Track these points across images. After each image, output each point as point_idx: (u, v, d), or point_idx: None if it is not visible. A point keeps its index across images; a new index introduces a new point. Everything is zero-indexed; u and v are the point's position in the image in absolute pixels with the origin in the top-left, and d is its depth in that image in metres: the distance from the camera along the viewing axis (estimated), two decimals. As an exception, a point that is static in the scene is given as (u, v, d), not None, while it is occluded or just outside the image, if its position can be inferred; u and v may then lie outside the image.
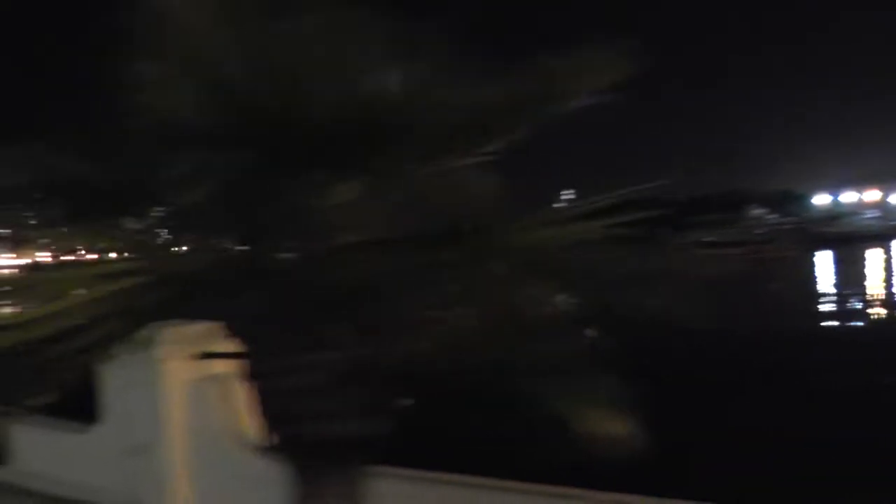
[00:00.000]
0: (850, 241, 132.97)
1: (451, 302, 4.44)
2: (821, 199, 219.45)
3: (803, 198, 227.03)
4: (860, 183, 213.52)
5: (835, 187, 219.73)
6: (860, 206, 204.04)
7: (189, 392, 6.61)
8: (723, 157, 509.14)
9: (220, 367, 6.60)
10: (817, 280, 67.84)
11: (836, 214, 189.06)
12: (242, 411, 6.44)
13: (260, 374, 4.47)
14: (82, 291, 4.36)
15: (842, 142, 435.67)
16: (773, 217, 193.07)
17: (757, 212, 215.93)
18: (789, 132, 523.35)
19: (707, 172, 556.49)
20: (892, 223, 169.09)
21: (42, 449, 7.69)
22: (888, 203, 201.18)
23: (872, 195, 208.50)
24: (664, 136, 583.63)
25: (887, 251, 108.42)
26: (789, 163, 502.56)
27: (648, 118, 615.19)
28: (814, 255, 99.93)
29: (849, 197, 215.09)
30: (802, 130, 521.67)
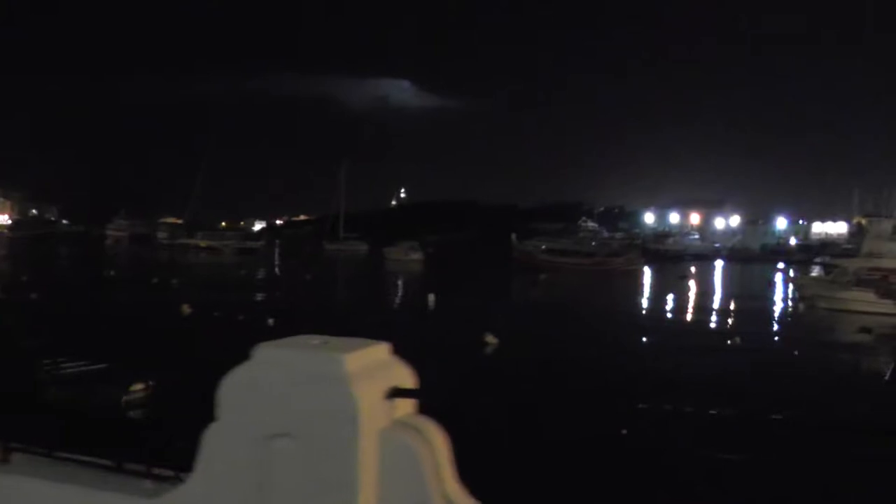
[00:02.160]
0: (678, 258, 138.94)
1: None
2: (649, 218, 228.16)
3: (634, 215, 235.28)
4: (684, 206, 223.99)
5: (661, 208, 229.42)
6: (684, 227, 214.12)
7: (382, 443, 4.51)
8: (557, 171, 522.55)
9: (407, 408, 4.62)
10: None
11: (664, 233, 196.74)
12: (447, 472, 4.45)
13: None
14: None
15: (670, 166, 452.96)
16: (604, 231, 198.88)
17: (588, 224, 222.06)
18: (623, 151, 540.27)
19: (541, 185, 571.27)
20: (713, 245, 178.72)
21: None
22: (709, 226, 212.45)
23: (695, 218, 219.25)
24: (499, 149, 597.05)
25: (710, 269, 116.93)
26: (618, 181, 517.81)
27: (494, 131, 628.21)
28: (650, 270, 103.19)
29: (674, 218, 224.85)
30: (638, 150, 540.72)
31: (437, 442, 4.38)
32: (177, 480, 4.96)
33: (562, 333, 38.24)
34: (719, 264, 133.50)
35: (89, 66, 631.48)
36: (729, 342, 38.92)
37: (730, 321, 49.41)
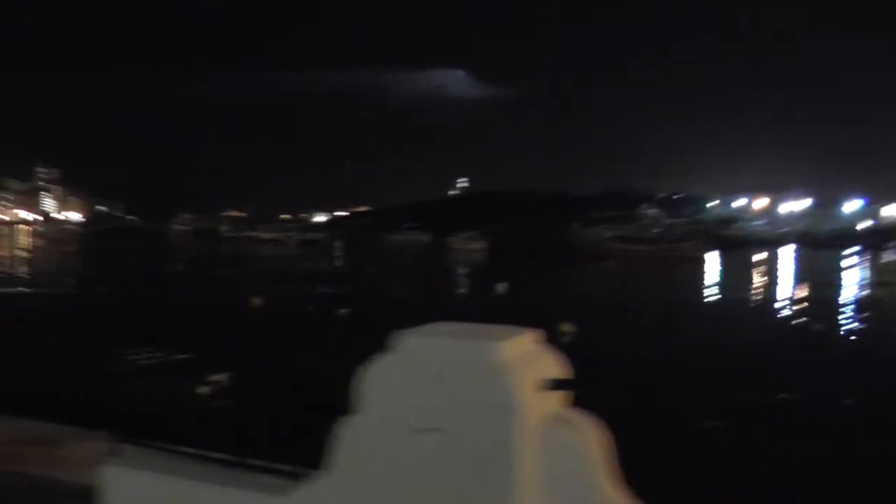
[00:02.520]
0: (744, 244, 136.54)
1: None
2: (713, 204, 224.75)
3: (697, 201, 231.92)
4: (751, 191, 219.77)
5: (726, 194, 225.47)
6: (750, 213, 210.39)
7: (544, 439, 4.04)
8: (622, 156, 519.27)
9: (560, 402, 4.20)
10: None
11: (729, 218, 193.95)
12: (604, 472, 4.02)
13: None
14: None
15: (735, 151, 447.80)
16: (667, 217, 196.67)
17: (651, 211, 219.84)
18: (685, 136, 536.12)
19: (601, 171, 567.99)
20: (780, 230, 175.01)
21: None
22: (775, 211, 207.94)
23: (761, 203, 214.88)
24: (571, 134, 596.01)
25: (777, 255, 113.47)
26: (683, 166, 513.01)
27: (557, 117, 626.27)
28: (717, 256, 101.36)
29: (739, 203, 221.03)
30: (697, 136, 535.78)
31: (596, 439, 4.01)
32: (302, 476, 4.62)
33: (637, 322, 37.49)
34: (786, 250, 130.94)
35: (158, 63, 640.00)
36: (815, 330, 37.94)
37: (810, 309, 48.05)
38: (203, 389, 20.74)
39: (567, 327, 32.57)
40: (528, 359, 4.05)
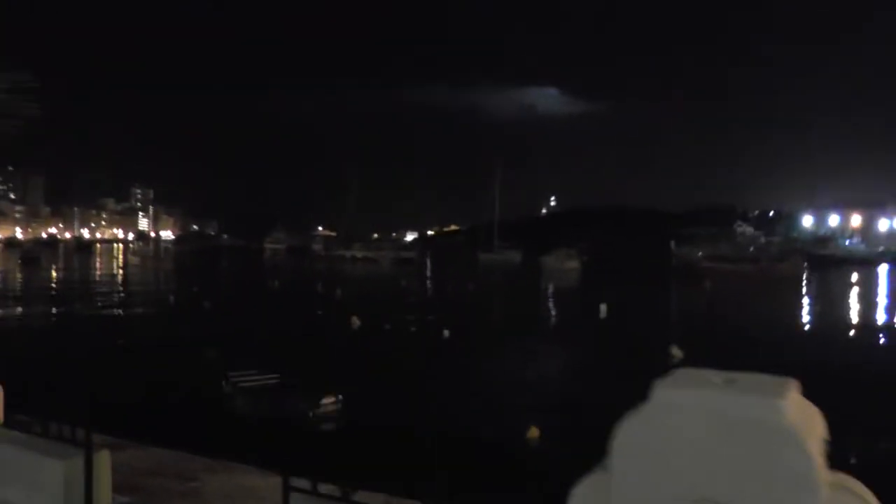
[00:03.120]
0: (840, 263, 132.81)
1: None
2: (807, 221, 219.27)
3: (790, 218, 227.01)
4: (845, 207, 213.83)
5: (819, 209, 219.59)
6: (845, 230, 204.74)
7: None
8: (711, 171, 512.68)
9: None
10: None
11: (824, 237, 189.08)
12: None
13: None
14: None
15: (827, 165, 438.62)
16: (762, 235, 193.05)
17: (742, 228, 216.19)
18: (775, 150, 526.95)
19: (692, 187, 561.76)
20: (877, 248, 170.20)
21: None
22: (872, 228, 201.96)
23: (856, 219, 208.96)
24: (660, 150, 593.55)
25: (876, 275, 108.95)
26: (774, 182, 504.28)
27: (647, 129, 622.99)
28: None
29: (833, 220, 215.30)
30: (788, 149, 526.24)
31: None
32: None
33: (748, 346, 36.12)
34: (884, 269, 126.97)
35: (245, 83, 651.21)
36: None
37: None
38: (313, 411, 20.42)
39: (677, 351, 31.60)
40: (807, 416, 3.43)
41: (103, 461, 5.99)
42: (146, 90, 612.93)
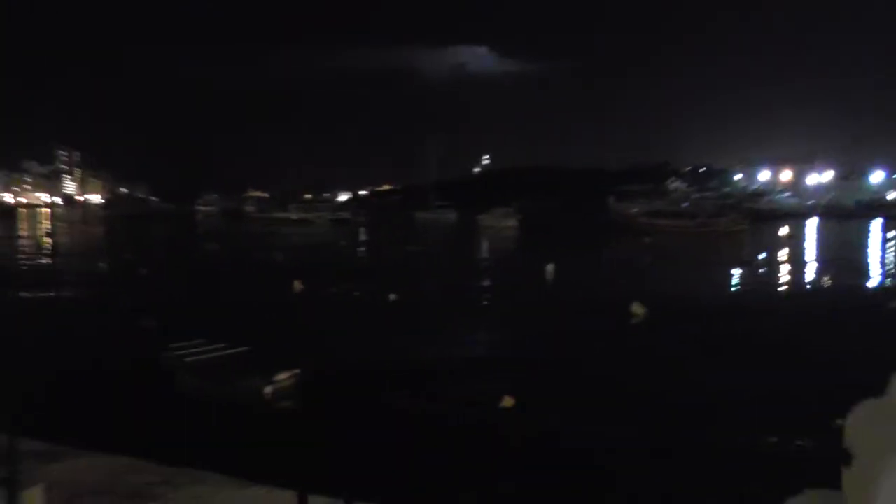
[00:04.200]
0: (773, 217, 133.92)
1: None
2: (738, 176, 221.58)
3: (722, 174, 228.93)
4: (775, 163, 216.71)
5: (750, 165, 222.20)
6: (776, 185, 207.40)
7: None
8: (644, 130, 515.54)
9: None
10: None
11: (757, 192, 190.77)
12: None
13: None
14: None
15: (756, 122, 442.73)
16: (695, 191, 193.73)
17: (676, 184, 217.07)
18: (704, 109, 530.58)
19: (625, 146, 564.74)
20: (808, 203, 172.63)
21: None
22: (801, 183, 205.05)
23: (786, 175, 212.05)
24: (593, 109, 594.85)
25: (808, 228, 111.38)
26: (704, 139, 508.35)
27: (577, 95, 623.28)
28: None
29: (764, 175, 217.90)
30: (718, 107, 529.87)
31: None
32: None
33: (707, 303, 35.29)
34: (814, 222, 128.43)
35: (173, 43, 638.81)
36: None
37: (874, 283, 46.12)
38: (268, 388, 18.75)
39: (638, 309, 30.70)
40: None
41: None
42: (66, 50, 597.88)
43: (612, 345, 25.63)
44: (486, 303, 38.09)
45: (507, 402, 17.68)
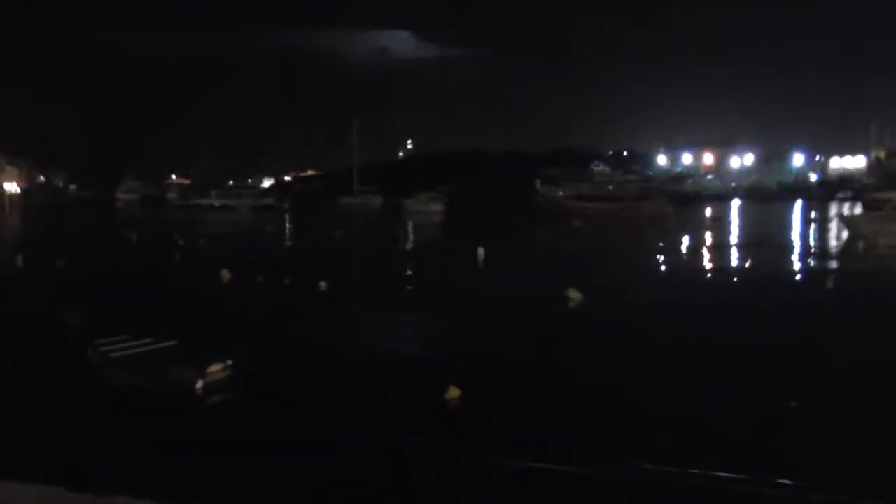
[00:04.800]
0: (696, 200, 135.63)
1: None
2: (661, 160, 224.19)
3: (645, 157, 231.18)
4: (696, 146, 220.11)
5: (673, 149, 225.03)
6: (699, 168, 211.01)
7: None
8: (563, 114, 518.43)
9: None
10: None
11: (681, 175, 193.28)
12: None
13: None
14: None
15: (677, 105, 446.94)
16: (619, 174, 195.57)
17: (600, 168, 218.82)
18: (625, 93, 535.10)
19: (548, 131, 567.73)
20: (729, 184, 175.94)
21: None
22: (724, 166, 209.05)
23: (708, 158, 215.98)
24: (515, 94, 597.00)
25: (732, 210, 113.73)
26: (625, 123, 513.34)
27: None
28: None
29: (687, 159, 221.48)
30: (645, 92, 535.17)
31: None
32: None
33: (639, 285, 35.24)
34: (736, 204, 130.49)
35: (88, 22, 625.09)
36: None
37: (811, 264, 46.76)
38: (199, 381, 17.94)
39: (574, 294, 30.35)
40: None
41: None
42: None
43: (551, 331, 25.22)
44: (413, 289, 37.54)
45: (453, 392, 17.04)
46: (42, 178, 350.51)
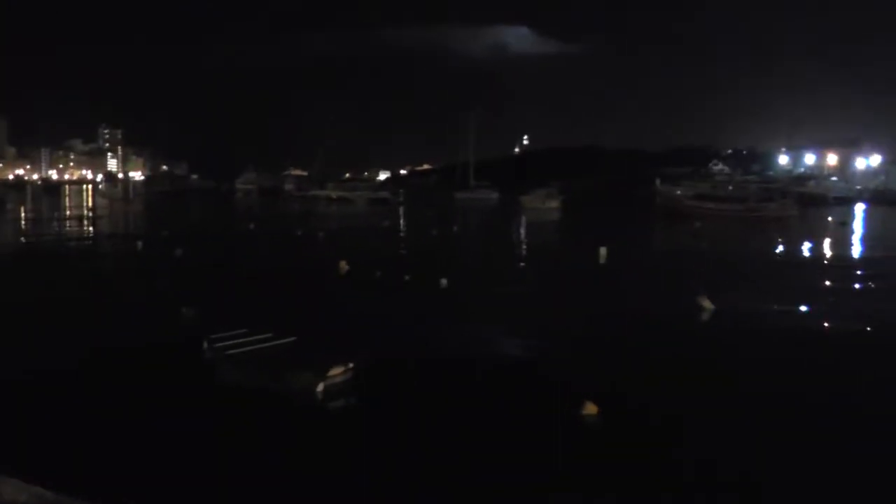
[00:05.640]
0: (821, 202, 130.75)
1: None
2: (782, 160, 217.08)
3: (765, 157, 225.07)
4: (819, 146, 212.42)
5: (795, 149, 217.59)
6: (822, 169, 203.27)
7: None
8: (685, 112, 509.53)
9: None
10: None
11: (805, 175, 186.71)
12: None
13: None
14: None
15: (802, 106, 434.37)
16: (737, 174, 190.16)
17: (719, 167, 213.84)
18: (746, 90, 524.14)
19: (666, 128, 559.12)
20: (855, 187, 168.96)
21: None
22: (848, 167, 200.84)
23: (831, 159, 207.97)
24: (634, 90, 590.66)
25: (858, 213, 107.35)
26: (747, 123, 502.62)
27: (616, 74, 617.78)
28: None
29: (809, 159, 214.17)
30: (768, 89, 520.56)
31: None
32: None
33: (780, 295, 32.90)
34: (861, 208, 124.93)
35: (211, 29, 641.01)
36: None
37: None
38: (320, 384, 16.98)
39: (707, 304, 28.50)
40: None
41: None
42: (111, 34, 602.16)
43: (690, 346, 23.35)
44: (537, 290, 36.02)
45: (590, 408, 15.63)
46: (165, 167, 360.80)
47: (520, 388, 17.75)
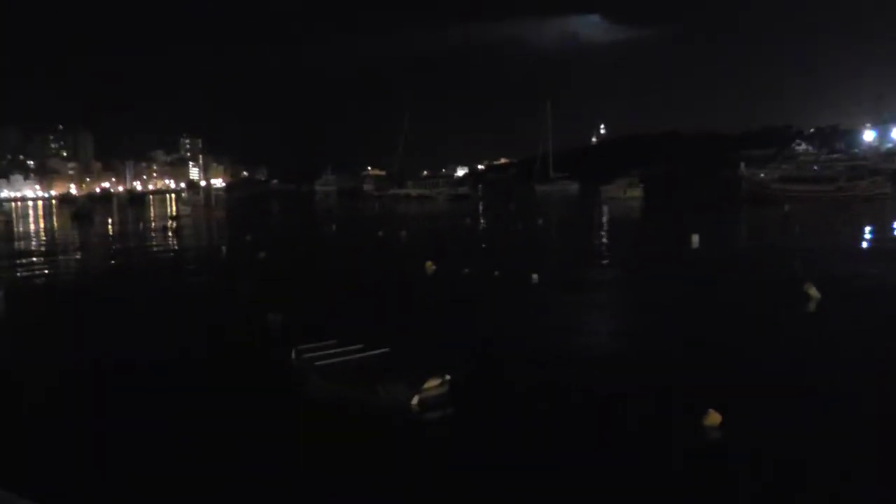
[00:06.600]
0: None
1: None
2: (868, 136, 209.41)
3: (850, 134, 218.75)
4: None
5: (882, 124, 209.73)
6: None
7: None
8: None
9: None
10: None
11: (892, 152, 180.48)
12: None
13: None
14: None
15: (886, 78, 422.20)
16: (822, 153, 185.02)
17: (802, 147, 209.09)
18: (835, 67, 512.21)
19: (745, 109, 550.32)
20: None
21: None
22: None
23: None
24: (708, 73, 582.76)
25: None
26: (828, 99, 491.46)
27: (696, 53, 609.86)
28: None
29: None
30: (854, 64, 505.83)
31: None
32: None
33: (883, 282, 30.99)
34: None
35: (283, 30, 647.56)
36: None
37: None
38: (416, 397, 15.95)
39: (813, 291, 26.89)
40: None
41: None
42: (186, 42, 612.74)
43: (802, 339, 21.57)
44: (633, 282, 34.51)
45: (713, 418, 14.18)
46: (245, 173, 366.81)
47: (629, 394, 16.50)
